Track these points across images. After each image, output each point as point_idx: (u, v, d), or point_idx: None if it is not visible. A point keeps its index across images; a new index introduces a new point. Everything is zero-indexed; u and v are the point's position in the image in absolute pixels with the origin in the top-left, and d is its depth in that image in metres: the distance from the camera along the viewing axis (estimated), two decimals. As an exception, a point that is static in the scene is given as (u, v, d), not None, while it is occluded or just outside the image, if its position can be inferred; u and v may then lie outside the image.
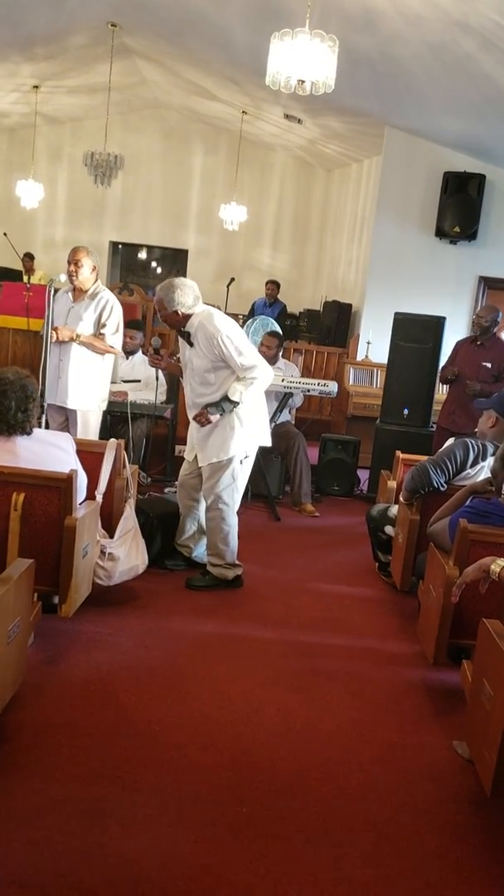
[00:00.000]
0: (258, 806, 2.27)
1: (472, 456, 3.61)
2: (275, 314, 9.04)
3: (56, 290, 4.39)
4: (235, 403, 3.72)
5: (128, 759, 2.42)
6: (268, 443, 4.06)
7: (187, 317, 3.73)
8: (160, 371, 4.90)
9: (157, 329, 8.39)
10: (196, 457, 3.91)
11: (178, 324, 3.76)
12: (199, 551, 4.10)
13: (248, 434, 3.85)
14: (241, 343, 3.71)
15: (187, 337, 3.78)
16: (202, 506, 4.01)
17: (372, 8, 5.10)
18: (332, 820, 2.25)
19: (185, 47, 7.69)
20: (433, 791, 2.44)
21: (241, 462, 3.88)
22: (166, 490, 5.31)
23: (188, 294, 3.70)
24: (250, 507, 5.38)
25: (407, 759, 2.60)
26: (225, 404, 3.71)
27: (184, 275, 9.35)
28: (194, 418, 3.80)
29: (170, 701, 2.80)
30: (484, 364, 5.42)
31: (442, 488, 3.58)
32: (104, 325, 4.51)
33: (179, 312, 3.71)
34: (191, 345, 3.77)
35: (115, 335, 4.55)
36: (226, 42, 6.93)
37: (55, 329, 4.33)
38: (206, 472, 3.86)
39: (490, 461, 3.53)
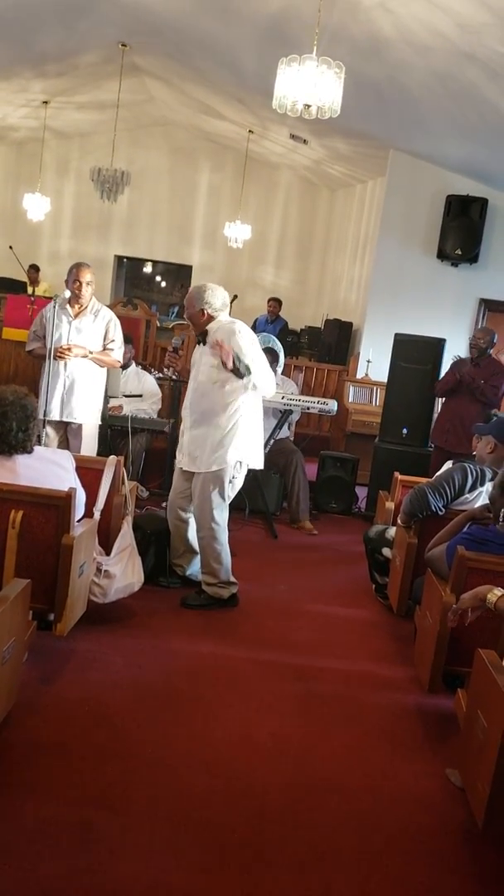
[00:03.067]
0: (250, 832, 2.26)
1: (470, 481, 3.62)
2: (276, 331, 9.10)
3: (55, 305, 4.47)
4: (248, 369, 3.68)
5: (119, 782, 2.41)
6: (259, 466, 4.05)
7: (210, 318, 3.80)
8: (171, 373, 4.98)
9: (158, 343, 8.45)
10: (187, 468, 3.89)
11: (202, 324, 3.81)
12: (193, 569, 4.10)
13: (243, 446, 3.83)
14: (253, 349, 3.76)
15: (205, 336, 3.82)
16: (190, 526, 4.02)
17: (380, 37, 5.17)
18: (323, 848, 2.24)
19: (193, 67, 7.78)
20: (425, 821, 2.43)
21: (230, 482, 3.86)
22: (163, 504, 5.31)
23: (217, 297, 3.79)
24: (248, 524, 5.38)
25: (400, 787, 2.59)
26: (241, 365, 3.66)
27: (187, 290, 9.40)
28: (213, 345, 3.70)
29: (163, 722, 2.79)
30: (481, 384, 5.46)
31: (440, 512, 3.59)
32: (112, 341, 4.66)
33: (205, 312, 3.78)
34: (204, 344, 3.82)
35: (120, 349, 4.75)
36: (234, 63, 7.02)
37: (66, 350, 4.40)
38: (198, 487, 3.84)
39: (488, 486, 3.55)
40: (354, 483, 6.28)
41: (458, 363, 5.64)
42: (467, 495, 3.61)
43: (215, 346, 3.67)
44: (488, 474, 3.60)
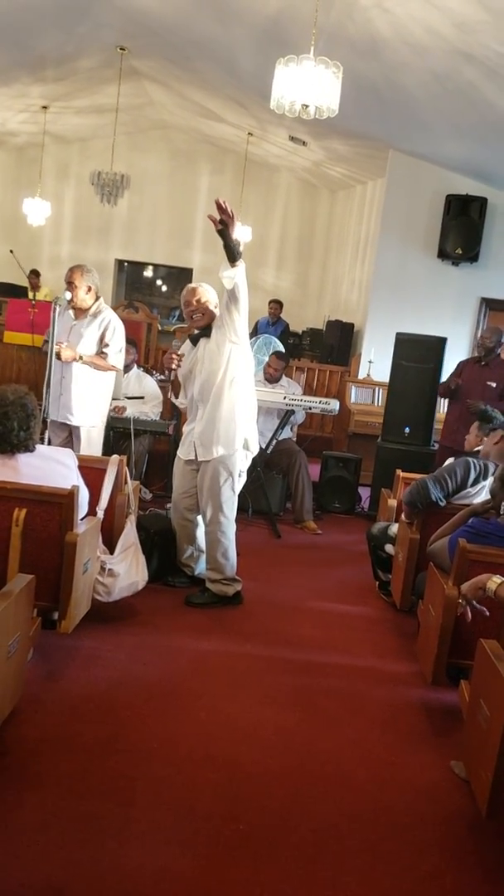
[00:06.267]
0: (255, 824, 2.27)
1: (472, 475, 3.64)
2: (277, 333, 9.11)
3: (58, 307, 4.45)
4: (240, 253, 3.55)
5: (125, 775, 2.42)
6: (256, 449, 4.06)
7: (214, 315, 3.87)
8: (170, 374, 4.98)
9: (160, 346, 8.48)
10: (202, 458, 3.90)
11: (209, 317, 3.86)
12: (202, 568, 4.11)
13: (246, 427, 3.89)
14: (245, 309, 3.77)
15: (206, 332, 3.85)
16: (196, 525, 4.04)
17: (377, 37, 5.20)
18: (328, 839, 2.25)
19: (192, 70, 7.82)
20: (430, 811, 2.44)
21: (239, 475, 3.91)
22: (167, 506, 5.33)
23: (213, 292, 3.90)
24: (251, 524, 5.39)
25: (404, 779, 2.60)
26: (236, 247, 3.48)
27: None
28: (220, 219, 3.43)
29: (167, 717, 2.80)
30: (489, 384, 5.46)
31: (441, 503, 3.60)
32: (107, 345, 4.56)
33: (211, 305, 3.87)
34: (208, 338, 3.85)
35: (117, 354, 4.63)
36: (232, 66, 7.05)
37: (58, 344, 4.38)
38: (207, 478, 3.86)
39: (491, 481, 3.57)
40: (357, 483, 6.30)
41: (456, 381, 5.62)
42: (470, 489, 3.62)
43: (219, 212, 3.36)
44: (491, 468, 3.62)
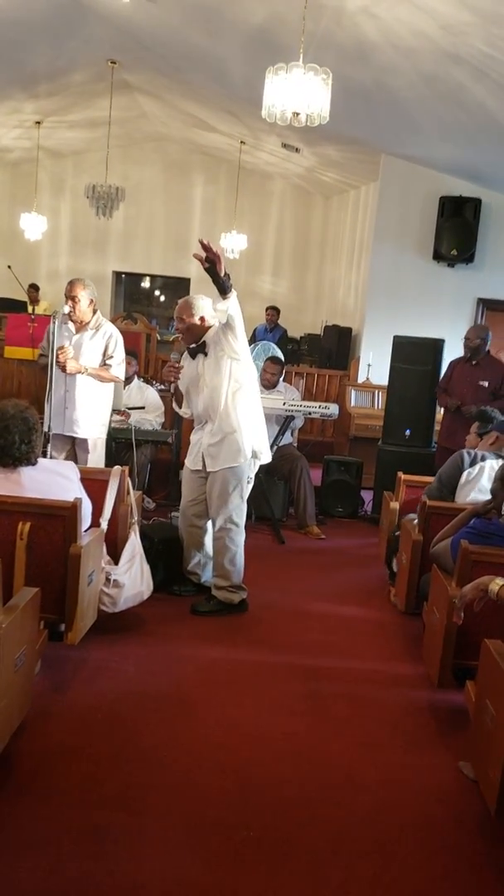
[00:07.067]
0: (265, 829, 2.28)
1: (467, 460, 3.73)
2: (276, 339, 9.14)
3: (56, 320, 4.49)
4: (231, 287, 3.58)
5: (135, 785, 2.43)
6: (268, 459, 4.11)
7: (208, 327, 3.86)
8: (170, 386, 5.00)
9: (159, 356, 8.51)
10: (210, 469, 3.92)
11: (201, 332, 3.86)
12: (208, 576, 4.13)
13: (255, 438, 3.92)
14: (243, 336, 3.79)
15: (203, 347, 3.86)
16: (205, 532, 4.05)
17: (365, 41, 5.22)
18: (338, 842, 2.25)
19: (183, 82, 7.87)
20: (439, 812, 2.44)
21: (247, 482, 3.95)
22: (171, 515, 5.34)
23: (208, 304, 3.86)
24: (255, 531, 5.40)
25: (413, 781, 2.61)
26: (226, 279, 3.54)
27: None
28: (206, 257, 3.46)
29: (176, 726, 2.81)
30: (480, 383, 5.47)
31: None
32: (111, 357, 4.65)
33: (205, 319, 3.86)
34: (205, 354, 3.86)
35: (119, 366, 4.72)
36: (223, 75, 7.09)
37: (61, 362, 4.41)
38: (217, 486, 3.88)
39: (490, 464, 3.64)
40: (360, 486, 6.30)
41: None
42: (472, 469, 3.68)
43: (205, 252, 3.42)
44: (489, 455, 3.69)
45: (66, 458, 4.66)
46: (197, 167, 11.40)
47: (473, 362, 5.58)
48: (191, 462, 4.03)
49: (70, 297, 4.53)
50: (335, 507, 6.21)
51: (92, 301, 4.60)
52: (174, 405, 4.26)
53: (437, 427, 6.03)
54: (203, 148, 10.93)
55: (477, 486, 3.62)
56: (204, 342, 3.87)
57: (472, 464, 3.71)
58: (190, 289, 11.48)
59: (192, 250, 3.66)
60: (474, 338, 5.55)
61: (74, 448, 4.72)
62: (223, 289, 3.55)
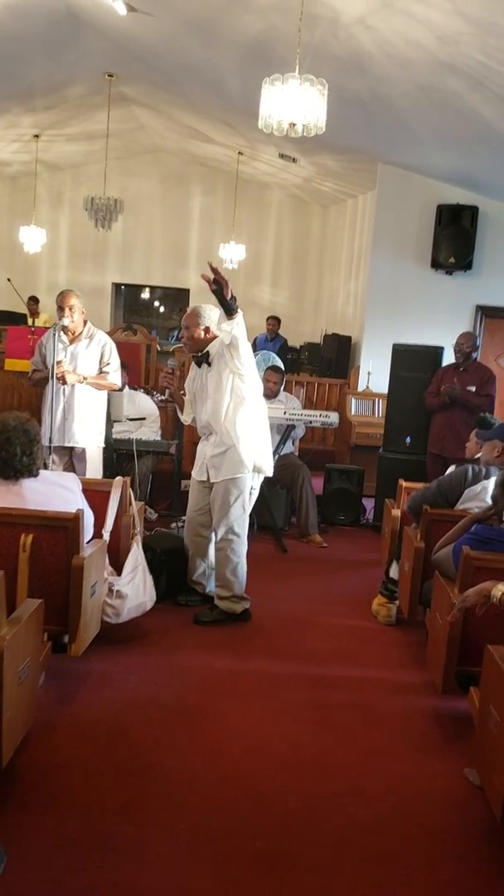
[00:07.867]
0: (271, 839, 2.27)
1: (470, 475, 3.70)
2: (276, 349, 9.15)
3: (55, 333, 4.51)
4: (237, 308, 3.62)
5: (139, 796, 2.43)
6: (270, 472, 4.12)
7: (213, 338, 3.88)
8: (166, 395, 5.02)
9: (159, 367, 8.51)
10: (213, 479, 3.94)
11: (204, 343, 3.90)
12: (213, 585, 4.13)
13: (257, 451, 3.94)
14: (249, 352, 3.82)
15: (206, 357, 3.89)
16: (210, 541, 4.06)
17: (361, 52, 5.26)
18: (345, 851, 2.24)
19: (180, 94, 7.92)
20: (445, 820, 2.44)
21: (250, 493, 3.96)
22: (173, 525, 5.35)
23: (215, 314, 3.86)
24: (257, 540, 5.40)
25: (419, 789, 2.60)
26: (232, 300, 3.59)
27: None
28: (213, 280, 3.55)
29: (180, 737, 2.81)
30: (468, 388, 5.50)
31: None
32: (108, 364, 4.69)
33: (210, 330, 3.88)
34: (209, 364, 3.89)
35: (116, 372, 4.76)
36: (219, 87, 7.14)
37: (61, 374, 4.43)
38: (219, 496, 3.90)
39: (493, 482, 3.62)
40: (361, 494, 6.31)
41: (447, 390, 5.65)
42: (474, 486, 3.66)
43: (210, 274, 3.50)
44: (493, 470, 3.66)
45: (65, 470, 4.68)
46: (195, 178, 11.46)
47: (461, 368, 5.61)
48: (196, 472, 4.06)
49: (67, 307, 4.55)
50: (337, 515, 6.21)
51: (83, 311, 4.65)
52: (178, 413, 4.30)
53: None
54: (200, 159, 10.98)
55: (477, 506, 3.62)
56: (208, 353, 3.90)
57: (476, 481, 3.69)
58: (189, 299, 11.52)
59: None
60: (466, 343, 5.59)
61: (72, 459, 4.73)
62: (229, 310, 3.61)
